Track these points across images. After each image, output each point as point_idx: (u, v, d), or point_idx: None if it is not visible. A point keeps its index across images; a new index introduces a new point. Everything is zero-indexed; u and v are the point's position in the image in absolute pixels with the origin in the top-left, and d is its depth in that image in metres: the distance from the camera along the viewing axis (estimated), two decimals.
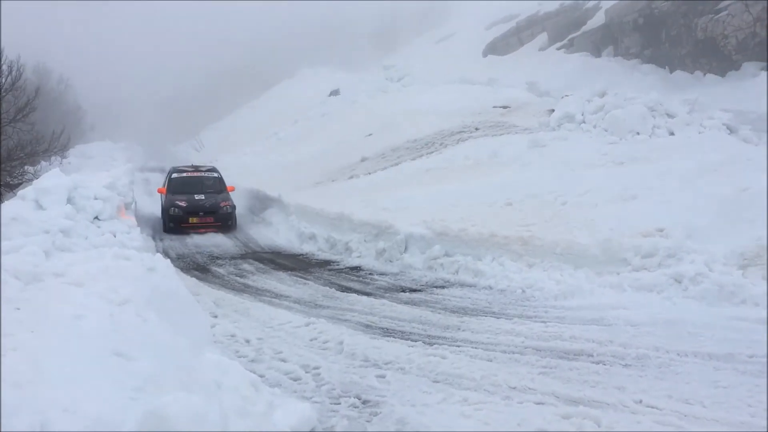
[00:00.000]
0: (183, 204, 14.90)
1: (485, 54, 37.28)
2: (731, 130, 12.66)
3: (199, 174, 16.75)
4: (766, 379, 5.35)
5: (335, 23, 57.38)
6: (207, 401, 3.34)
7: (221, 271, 10.67)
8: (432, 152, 16.59)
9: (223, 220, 14.89)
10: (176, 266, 10.20)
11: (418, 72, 33.06)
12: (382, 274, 9.89)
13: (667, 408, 4.87)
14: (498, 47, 37.03)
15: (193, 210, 14.86)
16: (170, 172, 16.80)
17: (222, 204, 15.09)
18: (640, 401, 5.01)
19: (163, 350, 4.17)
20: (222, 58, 61.91)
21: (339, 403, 5.19)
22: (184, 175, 16.58)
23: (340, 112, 28.15)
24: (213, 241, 13.68)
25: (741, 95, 19.73)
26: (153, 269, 5.50)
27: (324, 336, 6.91)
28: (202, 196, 15.25)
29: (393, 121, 21.36)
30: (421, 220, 10.53)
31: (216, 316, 7.73)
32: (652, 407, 4.90)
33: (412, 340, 6.72)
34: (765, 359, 5.77)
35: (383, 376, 5.72)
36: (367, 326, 7.29)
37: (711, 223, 8.48)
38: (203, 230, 14.65)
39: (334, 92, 32.43)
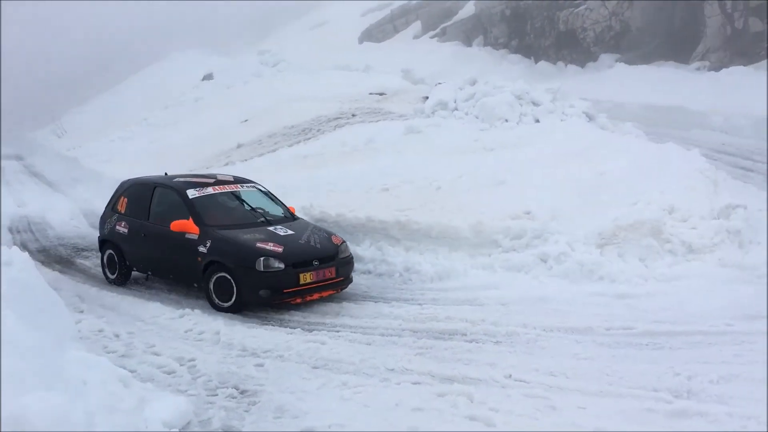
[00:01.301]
0: (278, 250, 7.50)
1: (361, 41, 37.51)
2: (590, 117, 13.46)
3: (238, 188, 8.92)
4: (620, 350, 5.79)
5: (207, 6, 55.57)
6: (70, 400, 3.17)
7: (87, 263, 10.11)
8: (309, 138, 16.50)
9: (346, 271, 7.95)
10: (37, 260, 9.57)
11: (293, 58, 32.70)
12: None
13: (534, 381, 5.15)
14: (373, 34, 37.35)
15: (304, 259, 7.60)
16: (179, 191, 8.35)
17: (335, 241, 8.12)
18: (510, 376, 5.27)
19: (23, 349, 3.90)
20: (81, 41, 58.23)
21: (216, 395, 5.09)
22: (215, 193, 8.55)
23: (214, 97, 27.34)
24: (78, 232, 12.92)
25: (599, 85, 21.05)
26: (9, 263, 5.12)
27: (199, 327, 6.75)
28: (291, 231, 8.05)
29: (269, 107, 21.03)
30: (299, 207, 10.46)
31: (82, 311, 7.35)
32: (521, 381, 5.17)
33: (290, 328, 6.70)
34: (621, 330, 6.24)
35: (262, 365, 5.67)
36: (245, 316, 7.18)
37: (573, 205, 9.00)
38: (322, 294, 7.66)
39: (207, 77, 31.43)
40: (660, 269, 7.73)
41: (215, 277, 7.43)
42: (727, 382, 5.07)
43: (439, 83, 18.05)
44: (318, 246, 7.81)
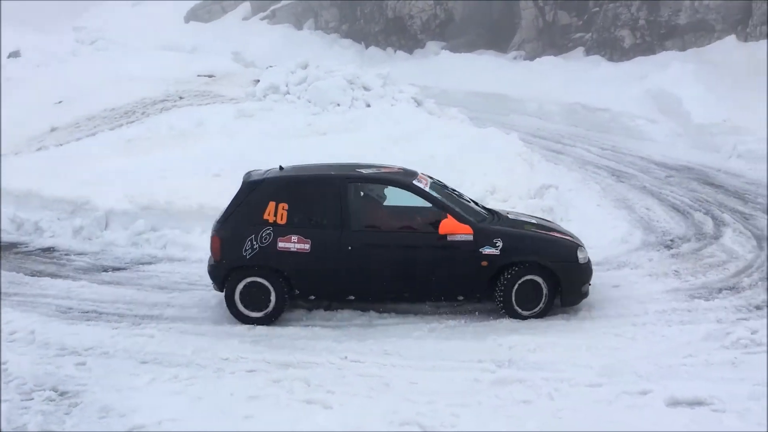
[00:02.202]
0: (569, 238, 6.84)
1: (187, 20, 35.96)
2: (418, 102, 13.91)
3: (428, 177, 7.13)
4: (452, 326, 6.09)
5: None
6: None
7: None
8: (133, 121, 15.57)
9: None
10: None
11: (114, 35, 30.72)
12: (80, 254, 9.08)
13: (369, 361, 5.35)
14: (200, 14, 35.96)
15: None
16: (401, 183, 6.66)
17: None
18: (346, 357, 5.38)
19: None
20: None
21: (32, 398, 4.72)
22: (437, 184, 7.03)
23: (23, 76, 25.00)
24: None
25: (426, 71, 21.78)
26: None
27: (10, 327, 6.16)
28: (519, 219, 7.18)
29: (87, 88, 19.56)
30: (124, 194, 9.88)
31: None
32: (356, 361, 5.31)
33: (116, 322, 6.33)
34: (449, 308, 6.56)
35: (84, 364, 5.33)
36: (64, 312, 6.68)
37: None
38: None
39: (14, 54, 28.67)
40: None
41: (520, 281, 6.25)
42: (543, 350, 5.51)
43: (271, 66, 17.77)
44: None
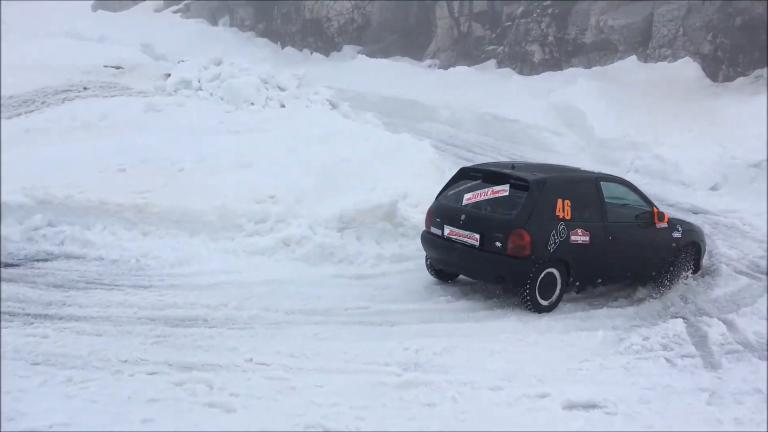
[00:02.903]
0: None
1: (95, 8, 34.58)
2: (333, 105, 13.92)
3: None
4: (357, 329, 6.11)
5: None
6: None
7: None
8: (32, 111, 14.77)
9: None
10: None
11: (11, 20, 29.14)
12: None
13: (275, 363, 5.22)
14: (109, 3, 34.65)
15: None
16: (621, 181, 8.18)
17: None
18: (251, 359, 5.28)
19: None
20: None
21: None
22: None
23: None
24: None
25: (342, 74, 21.82)
26: None
27: None
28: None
29: None
30: (20, 187, 9.35)
31: None
32: (262, 364, 5.20)
33: (6, 321, 5.96)
34: (358, 310, 6.58)
35: None
36: None
37: (316, 189, 9.24)
38: None
39: None
40: (393, 250, 8.30)
41: (687, 254, 8.17)
42: (449, 353, 5.62)
43: (182, 61, 17.33)
44: None
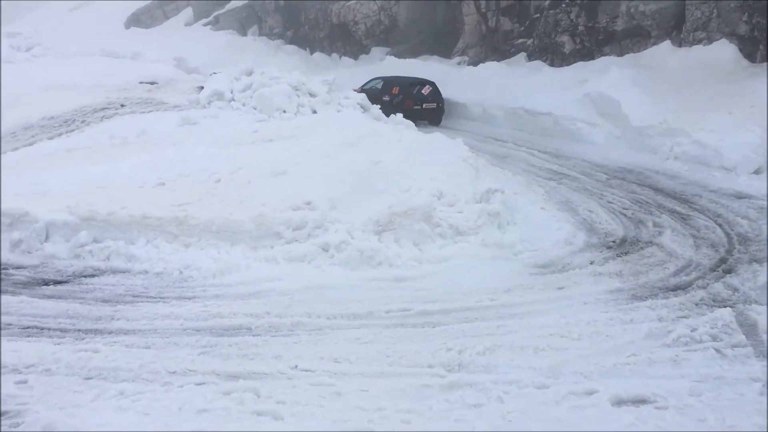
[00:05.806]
0: None
1: (128, 26, 35.28)
2: (364, 108, 13.97)
3: None
4: (399, 331, 6.12)
5: None
6: None
7: None
8: (73, 130, 15.16)
9: None
10: None
11: (51, 42, 29.84)
12: (19, 267, 8.78)
13: (319, 369, 5.27)
14: (141, 20, 35.35)
15: None
16: None
17: None
18: (296, 366, 5.33)
19: None
20: None
21: None
22: None
23: None
24: None
25: (371, 77, 21.84)
26: None
27: None
28: None
29: (23, 97, 18.96)
30: (65, 205, 9.59)
31: None
32: (307, 370, 5.25)
33: (58, 338, 6.14)
34: (399, 312, 6.60)
35: (25, 382, 5.14)
36: (3, 328, 6.45)
37: (351, 194, 9.29)
38: None
39: None
40: (432, 252, 8.29)
41: None
42: (492, 353, 5.59)
43: (214, 73, 17.59)
44: None
